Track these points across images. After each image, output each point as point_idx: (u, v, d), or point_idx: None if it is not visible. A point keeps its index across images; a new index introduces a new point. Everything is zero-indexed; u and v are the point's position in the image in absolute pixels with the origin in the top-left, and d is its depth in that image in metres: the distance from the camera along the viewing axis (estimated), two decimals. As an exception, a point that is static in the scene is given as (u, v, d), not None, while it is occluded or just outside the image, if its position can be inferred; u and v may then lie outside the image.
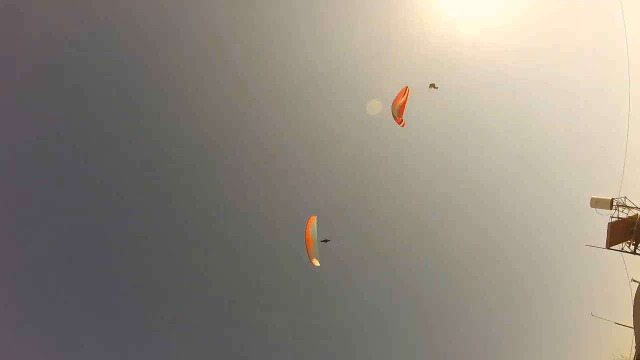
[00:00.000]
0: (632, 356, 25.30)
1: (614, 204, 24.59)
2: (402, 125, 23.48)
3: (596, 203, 25.07)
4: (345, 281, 48.13)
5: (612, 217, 24.41)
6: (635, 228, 23.51)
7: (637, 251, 23.83)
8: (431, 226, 49.08)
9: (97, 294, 43.13)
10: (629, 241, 24.04)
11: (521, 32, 43.21)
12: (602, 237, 24.36)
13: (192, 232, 47.50)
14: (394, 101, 22.76)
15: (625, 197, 24.73)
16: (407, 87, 22.62)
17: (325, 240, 25.15)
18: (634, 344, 23.70)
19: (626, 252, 24.35)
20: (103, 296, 43.24)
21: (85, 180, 43.53)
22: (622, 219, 24.16)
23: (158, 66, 44.44)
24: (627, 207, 24.43)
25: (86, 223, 43.49)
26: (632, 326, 24.18)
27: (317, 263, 24.68)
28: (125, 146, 44.79)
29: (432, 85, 26.62)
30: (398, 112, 22.69)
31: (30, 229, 41.33)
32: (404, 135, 45.74)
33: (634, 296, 23.82)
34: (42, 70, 41.37)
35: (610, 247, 24.41)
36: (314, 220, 24.88)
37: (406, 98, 22.51)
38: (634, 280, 25.46)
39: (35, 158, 41.39)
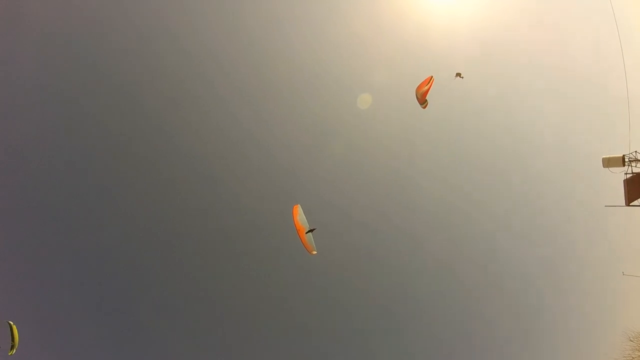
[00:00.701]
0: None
1: (626, 160, 24.43)
2: (424, 107, 25.92)
3: (608, 162, 24.89)
4: (344, 280, 47.58)
5: (626, 174, 24.24)
6: (651, 180, 23.42)
7: (658, 203, 23.70)
8: (453, 199, 47.95)
9: (91, 293, 43.42)
10: (647, 195, 23.92)
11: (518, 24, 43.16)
12: (621, 195, 24.27)
13: (189, 230, 47.36)
14: (417, 87, 25.23)
15: (636, 152, 24.54)
16: (432, 76, 24.68)
17: (311, 230, 24.22)
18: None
19: (647, 206, 24.21)
20: (95, 295, 43.53)
21: (82, 179, 44.15)
22: (637, 173, 24.02)
23: (151, 65, 44.98)
24: (640, 160, 24.36)
25: (80, 221, 43.86)
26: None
27: (314, 252, 24.38)
28: (122, 145, 45.30)
29: (458, 75, 27.11)
30: (421, 96, 25.22)
31: (29, 228, 41.78)
32: (400, 131, 46.12)
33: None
34: (41, 69, 42.11)
35: (630, 204, 24.29)
36: (298, 208, 24.51)
37: (430, 86, 24.68)
38: (660, 233, 25.30)
39: (34, 158, 42.11)
